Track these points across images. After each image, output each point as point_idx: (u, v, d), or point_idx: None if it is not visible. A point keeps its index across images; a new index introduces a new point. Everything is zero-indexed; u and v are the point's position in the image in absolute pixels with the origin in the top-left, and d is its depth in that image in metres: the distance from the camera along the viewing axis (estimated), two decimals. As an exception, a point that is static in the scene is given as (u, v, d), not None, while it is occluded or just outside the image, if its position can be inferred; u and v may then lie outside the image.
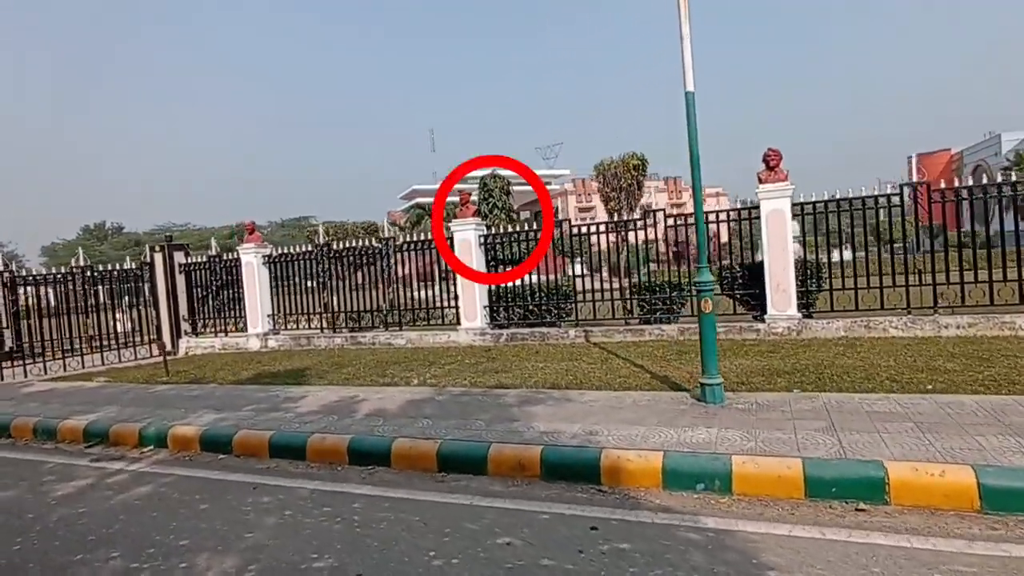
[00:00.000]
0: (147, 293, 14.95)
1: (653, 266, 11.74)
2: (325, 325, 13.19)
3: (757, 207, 9.53)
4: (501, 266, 11.87)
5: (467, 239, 11.40)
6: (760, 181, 9.43)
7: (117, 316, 13.91)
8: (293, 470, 5.36)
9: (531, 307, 11.32)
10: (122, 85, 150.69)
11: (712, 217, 9.98)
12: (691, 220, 9.89)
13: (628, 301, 10.81)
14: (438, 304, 12.20)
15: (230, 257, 14.15)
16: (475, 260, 11.36)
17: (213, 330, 14.38)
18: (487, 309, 11.47)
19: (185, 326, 14.53)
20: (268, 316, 13.63)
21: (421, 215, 47.93)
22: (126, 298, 14.70)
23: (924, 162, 68.80)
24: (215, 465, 5.64)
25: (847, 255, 10.73)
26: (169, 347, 14.26)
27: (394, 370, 9.00)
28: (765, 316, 9.33)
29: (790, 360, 7.38)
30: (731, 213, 9.90)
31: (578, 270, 12.06)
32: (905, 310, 8.75)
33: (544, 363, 8.52)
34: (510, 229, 11.77)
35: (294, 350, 12.70)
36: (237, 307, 14.14)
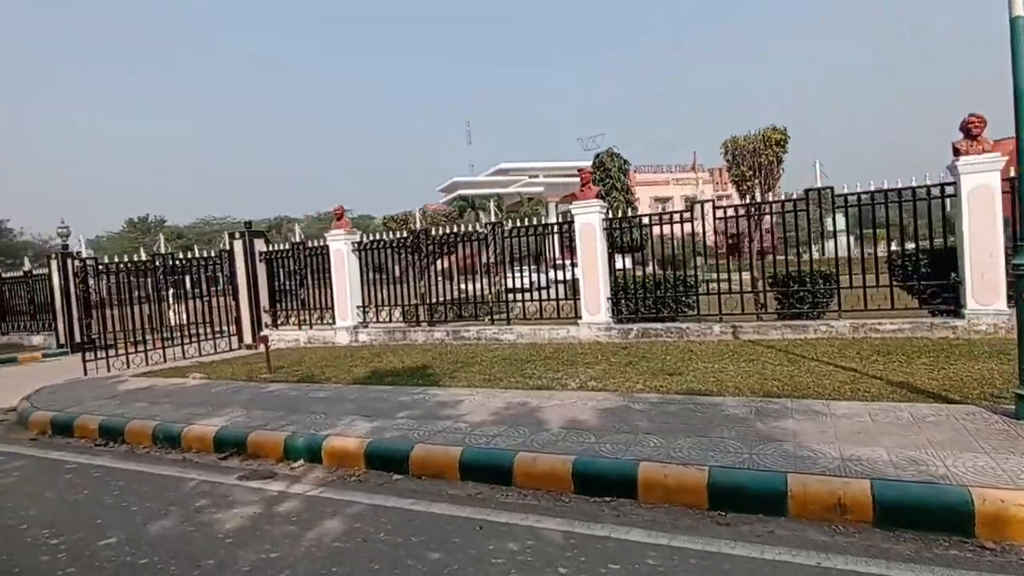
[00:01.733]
0: (222, 283, 14.17)
1: (701, 259, 10.39)
2: (422, 317, 12.17)
3: (950, 184, 8.16)
4: (621, 255, 10.69)
5: (590, 223, 10.23)
6: (958, 153, 8.05)
7: (187, 306, 13.07)
8: (505, 500, 4.28)
9: (658, 300, 10.11)
10: (143, 78, 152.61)
11: (880, 197, 8.62)
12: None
13: (761, 294, 9.48)
14: (550, 296, 11.07)
15: (316, 244, 13.22)
16: (599, 247, 10.19)
17: (296, 322, 13.50)
18: (610, 302, 10.29)
19: (266, 318, 13.68)
20: (358, 308, 12.67)
21: (464, 207, 46.41)
22: (197, 288, 13.87)
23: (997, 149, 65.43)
24: (398, 489, 4.59)
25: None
26: (249, 340, 13.44)
27: (532, 370, 7.91)
28: (963, 311, 7.97)
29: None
30: (908, 192, 8.50)
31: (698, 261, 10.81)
32: None
33: (714, 364, 7.33)
34: (630, 213, 10.57)
35: (390, 345, 11.72)
36: (322, 298, 13.22)
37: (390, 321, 12.62)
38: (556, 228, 10.96)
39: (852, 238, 10.22)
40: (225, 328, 13.53)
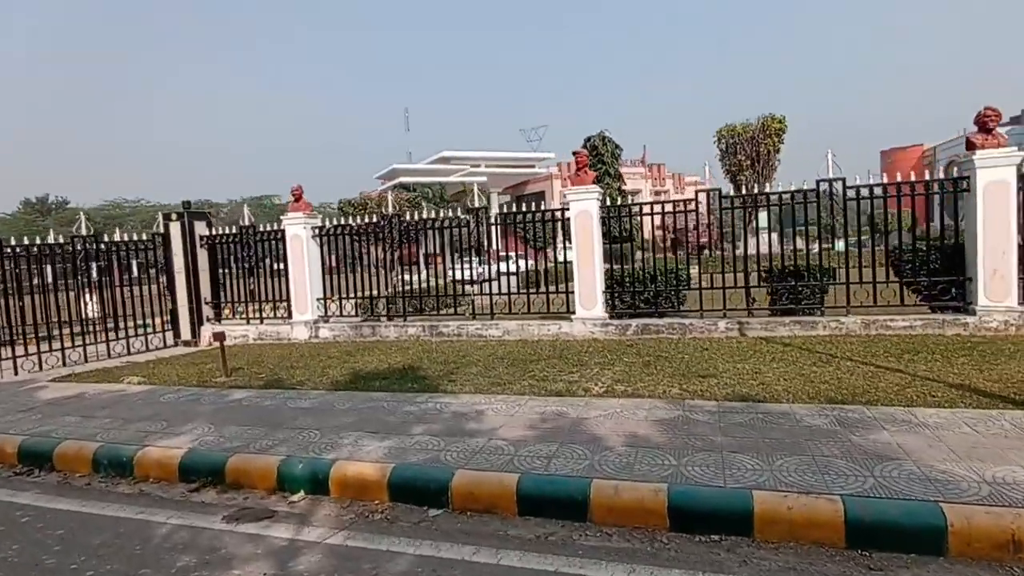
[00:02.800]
0: (154, 271, 12.46)
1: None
2: (395, 311, 11.05)
3: (963, 179, 7.99)
4: (615, 245, 10.04)
5: (587, 211, 9.48)
6: (973, 147, 7.87)
7: (108, 296, 11.25)
8: (587, 542, 3.47)
9: (657, 294, 9.53)
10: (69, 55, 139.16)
11: (907, 189, 8.37)
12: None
13: (747, 290, 9.05)
14: (540, 289, 10.26)
15: (269, 229, 11.78)
16: (596, 236, 9.47)
17: (244, 316, 12.00)
18: (606, 296, 9.61)
19: (207, 311, 12.10)
20: (319, 300, 11.38)
21: (416, 198, 43.91)
22: (126, 276, 12.05)
23: (897, 156, 70.23)
24: (443, 531, 3.66)
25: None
26: (188, 335, 11.85)
27: (540, 371, 7.10)
28: (976, 308, 7.83)
29: (1095, 365, 5.86)
30: (921, 186, 8.29)
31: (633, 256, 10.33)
32: None
33: (742, 364, 6.78)
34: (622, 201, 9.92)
35: (358, 342, 10.54)
36: (276, 289, 11.80)
37: (356, 315, 11.41)
38: (556, 215, 10.12)
39: (857, 233, 9.99)
40: (151, 322, 11.84)
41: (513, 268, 10.82)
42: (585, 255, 9.49)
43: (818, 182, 8.59)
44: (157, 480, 4.79)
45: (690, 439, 4.42)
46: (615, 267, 10.02)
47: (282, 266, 11.67)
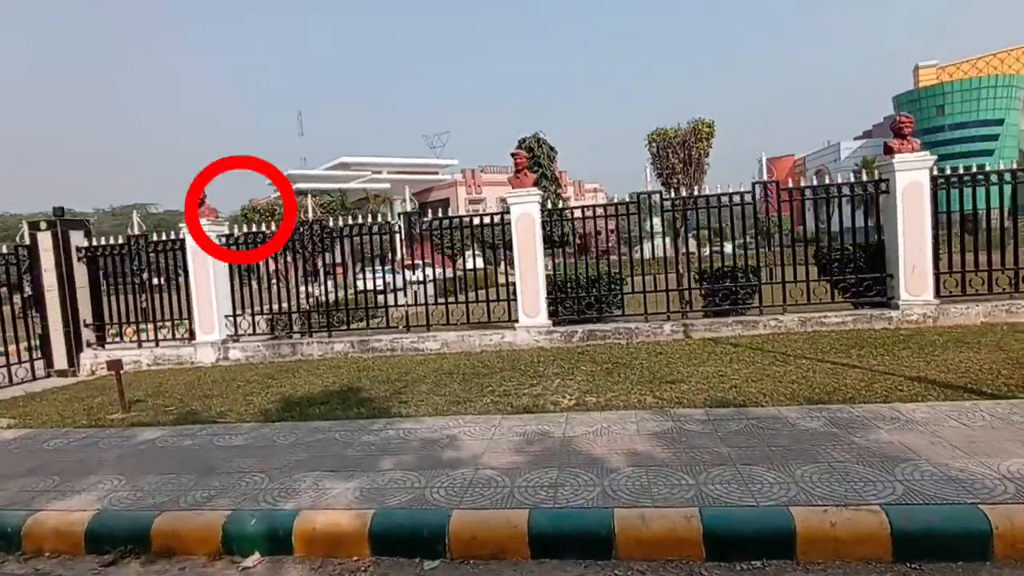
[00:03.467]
0: (4, 289, 10.60)
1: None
2: (316, 326, 10.06)
3: (883, 181, 8.48)
4: (549, 250, 9.76)
5: (529, 215, 9.10)
6: (891, 151, 8.38)
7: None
8: (625, 585, 3.03)
9: (601, 298, 9.34)
10: None
11: (827, 192, 8.76)
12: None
13: (688, 292, 9.12)
14: (479, 297, 9.73)
15: (165, 238, 10.34)
16: (538, 241, 9.12)
17: (135, 339, 10.45)
18: (548, 302, 9.28)
19: (88, 334, 10.42)
20: (228, 317, 10.13)
21: (331, 203, 40.93)
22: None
23: (776, 163, 76.91)
24: (462, 589, 3.08)
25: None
26: (63, 364, 10.16)
27: (497, 385, 6.61)
28: (898, 302, 8.31)
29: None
30: (847, 188, 8.72)
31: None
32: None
33: (705, 367, 6.69)
34: (560, 204, 9.66)
35: (278, 363, 9.47)
36: (172, 306, 10.39)
37: (271, 332, 10.28)
38: (492, 220, 9.63)
39: (783, 235, 10.37)
40: (4, 349, 10.01)
41: (423, 276, 10.22)
42: (527, 261, 9.11)
43: (754, 184, 8.80)
44: (57, 554, 3.77)
45: (695, 452, 4.13)
46: (549, 273, 9.73)
47: (182, 280, 10.29)
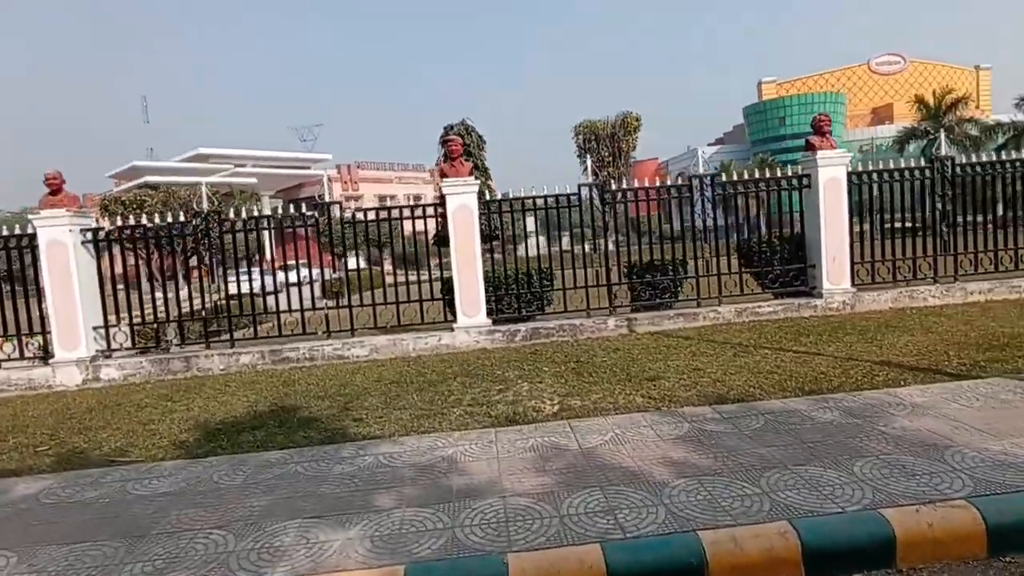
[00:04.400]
0: None
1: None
2: (216, 334, 8.58)
3: (806, 176, 8.90)
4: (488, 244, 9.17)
5: (467, 206, 8.41)
6: (812, 148, 8.82)
7: None
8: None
9: (532, 295, 8.91)
10: None
11: (756, 185, 9.04)
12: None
13: (615, 287, 8.93)
14: (412, 296, 8.85)
15: (7, 234, 8.26)
16: (476, 235, 8.47)
17: (-35, 360, 8.27)
18: (487, 300, 8.67)
19: None
20: (98, 329, 8.33)
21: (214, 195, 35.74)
22: None
23: (638, 167, 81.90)
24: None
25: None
26: None
27: (457, 393, 5.94)
28: (821, 291, 8.76)
29: (955, 333, 6.80)
30: (772, 183, 9.05)
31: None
32: (933, 279, 9.06)
33: (673, 362, 6.49)
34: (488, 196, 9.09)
35: (169, 380, 7.92)
36: (18, 318, 8.36)
37: (156, 346, 8.62)
38: (429, 211, 8.77)
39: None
40: None
41: (299, 278, 9.15)
42: (466, 256, 8.44)
43: (698, 178, 8.84)
44: None
45: (736, 456, 3.80)
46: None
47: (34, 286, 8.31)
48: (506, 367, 6.97)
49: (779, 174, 9.12)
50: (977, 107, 53.92)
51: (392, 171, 62.90)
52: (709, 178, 8.89)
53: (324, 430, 5.12)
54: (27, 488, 4.24)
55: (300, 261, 9.23)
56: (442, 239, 9.18)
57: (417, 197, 46.40)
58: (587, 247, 9.17)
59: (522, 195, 8.74)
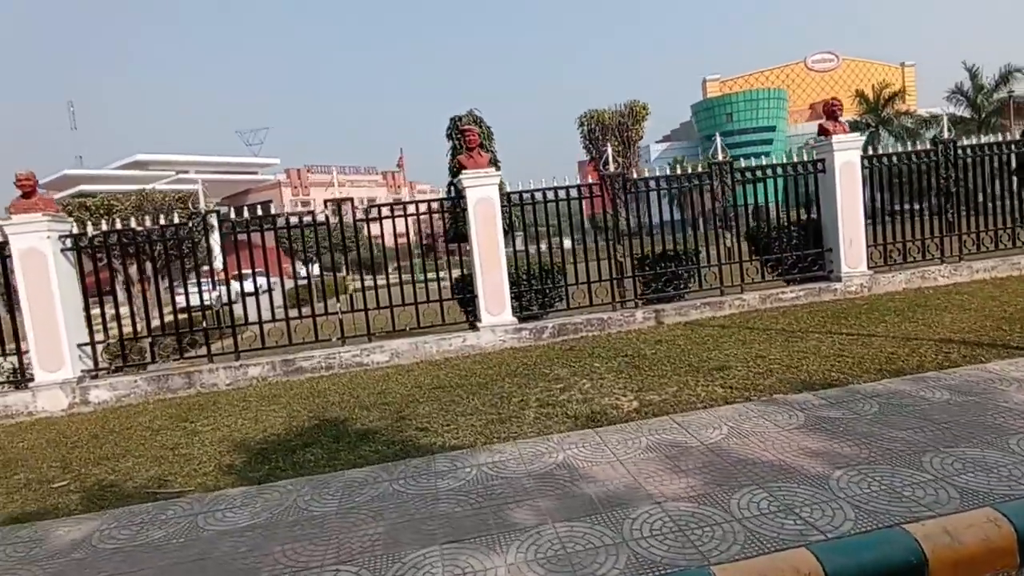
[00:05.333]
0: None
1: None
2: (217, 346, 7.85)
3: (821, 161, 8.93)
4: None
5: (489, 199, 8.00)
6: (826, 132, 8.86)
7: None
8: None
9: (556, 291, 8.61)
10: None
11: (765, 172, 9.00)
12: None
13: (628, 279, 8.69)
14: (409, 298, 8.36)
15: (-28, 242, 7.30)
16: (499, 229, 8.08)
17: (-74, 390, 7.25)
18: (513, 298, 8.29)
19: None
20: (83, 347, 7.48)
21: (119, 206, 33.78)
22: None
23: (590, 166, 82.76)
24: None
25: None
26: None
27: (515, 394, 5.56)
28: (840, 275, 8.80)
29: (990, 309, 6.89)
30: (788, 168, 9.04)
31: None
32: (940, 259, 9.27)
33: (729, 351, 6.31)
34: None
35: (171, 399, 7.18)
36: (-10, 338, 7.41)
37: (151, 361, 7.82)
38: (443, 206, 8.28)
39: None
40: None
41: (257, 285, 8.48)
42: (489, 252, 8.03)
43: (718, 165, 8.72)
44: None
45: (875, 441, 3.60)
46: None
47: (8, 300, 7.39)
48: (551, 365, 6.62)
49: (795, 160, 9.09)
50: (903, 101, 57.33)
51: (344, 174, 61.19)
52: (728, 165, 8.78)
53: (391, 443, 4.65)
54: (71, 532, 3.60)
55: (257, 269, 8.55)
56: (459, 235, 8.76)
57: (372, 199, 45.32)
58: (604, 239, 8.91)
59: (543, 186, 8.39)
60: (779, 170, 9.04)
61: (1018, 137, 9.55)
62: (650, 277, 8.75)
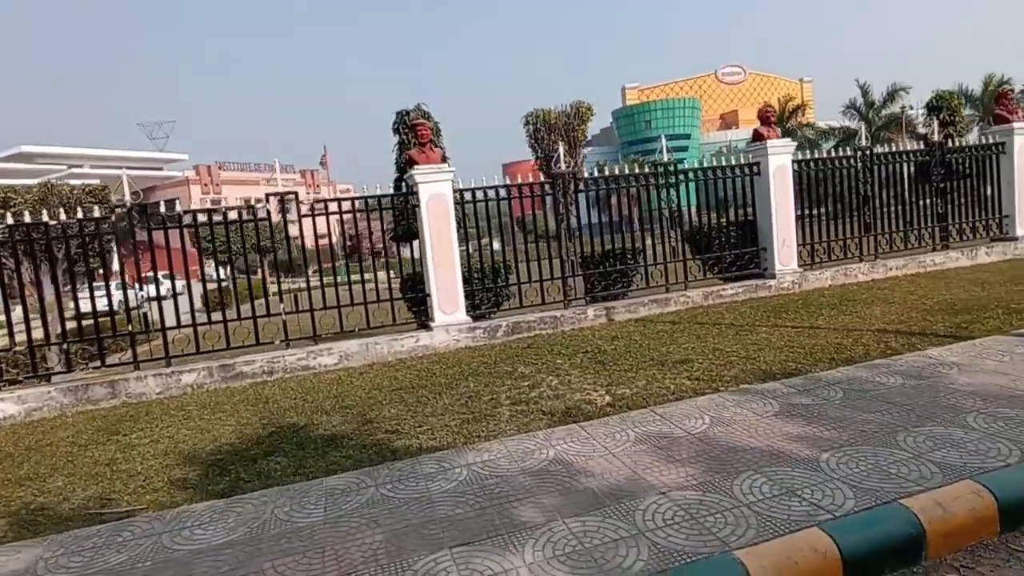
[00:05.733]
0: None
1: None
2: (145, 352, 7.17)
3: (756, 164, 9.40)
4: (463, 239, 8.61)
5: (442, 195, 7.81)
6: (761, 137, 9.34)
7: None
8: (985, 589, 2.52)
9: (503, 290, 8.56)
10: None
11: (714, 173, 9.37)
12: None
13: (579, 277, 8.84)
14: (349, 299, 8.05)
15: None
16: (452, 226, 7.91)
17: None
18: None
19: None
20: (-15, 356, 6.62)
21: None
22: None
23: (514, 168, 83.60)
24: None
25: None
26: None
27: (484, 394, 5.45)
28: (774, 272, 9.31)
29: (911, 302, 7.49)
30: (726, 171, 9.43)
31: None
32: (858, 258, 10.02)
33: (686, 346, 6.48)
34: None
35: (92, 411, 6.48)
36: None
37: (67, 370, 7.04)
38: (394, 202, 7.97)
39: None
40: None
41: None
42: (443, 249, 7.85)
43: (662, 166, 8.97)
44: None
45: (849, 424, 3.80)
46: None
47: None
48: (512, 363, 6.55)
49: (732, 162, 9.51)
50: (804, 114, 61.98)
51: (259, 172, 58.35)
52: (673, 165, 9.07)
53: (362, 447, 4.41)
54: (8, 563, 3.13)
55: (163, 272, 7.97)
56: (406, 234, 8.53)
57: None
58: (550, 237, 8.96)
59: (495, 184, 8.31)
60: (719, 172, 9.43)
61: (922, 147, 10.49)
62: (599, 275, 8.88)
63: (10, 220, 6.76)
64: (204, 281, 8.89)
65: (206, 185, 53.05)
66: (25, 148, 43.84)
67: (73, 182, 37.66)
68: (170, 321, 7.44)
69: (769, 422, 3.97)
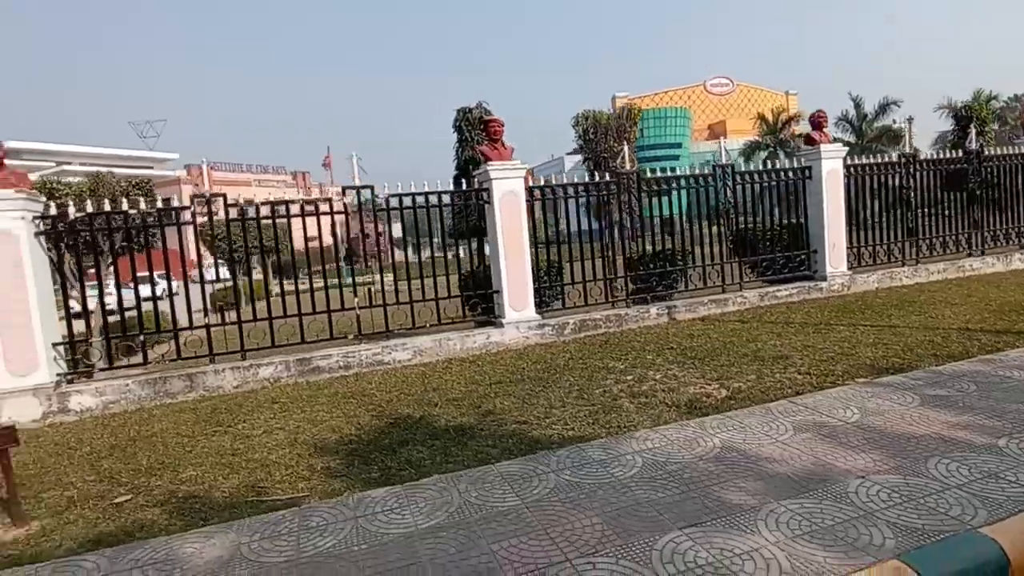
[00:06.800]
0: None
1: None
2: (216, 345, 7.04)
3: (807, 168, 9.56)
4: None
5: (515, 192, 7.82)
6: (813, 142, 9.51)
7: None
8: None
9: (561, 288, 8.58)
10: None
11: (762, 178, 9.51)
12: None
13: (620, 279, 8.80)
14: (437, 295, 8.00)
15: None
16: (524, 223, 7.92)
17: None
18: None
19: None
20: (57, 346, 6.44)
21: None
22: None
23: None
24: None
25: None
26: None
27: (587, 389, 5.46)
28: (825, 274, 9.47)
29: (976, 303, 7.66)
30: (781, 174, 9.57)
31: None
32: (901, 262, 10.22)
33: (773, 342, 6.58)
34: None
35: (170, 405, 6.34)
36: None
37: (144, 362, 6.88)
38: (465, 198, 7.95)
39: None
40: None
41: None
42: (514, 246, 7.85)
43: (721, 167, 9.08)
44: None
45: (1002, 414, 3.88)
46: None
47: None
48: (597, 359, 6.57)
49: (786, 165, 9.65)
50: (797, 125, 63.18)
51: (250, 172, 57.63)
52: (731, 168, 9.19)
53: (499, 437, 4.39)
54: (203, 550, 3.05)
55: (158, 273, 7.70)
56: (474, 229, 8.52)
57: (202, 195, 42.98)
58: (606, 237, 9.01)
59: (564, 182, 8.35)
60: (771, 176, 9.57)
61: (960, 155, 10.76)
62: (659, 275, 8.94)
63: (89, 207, 6.60)
64: (281, 278, 8.76)
65: (198, 185, 52.13)
66: (11, 144, 42.60)
67: (63, 180, 36.70)
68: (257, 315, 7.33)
69: (920, 412, 4.04)
